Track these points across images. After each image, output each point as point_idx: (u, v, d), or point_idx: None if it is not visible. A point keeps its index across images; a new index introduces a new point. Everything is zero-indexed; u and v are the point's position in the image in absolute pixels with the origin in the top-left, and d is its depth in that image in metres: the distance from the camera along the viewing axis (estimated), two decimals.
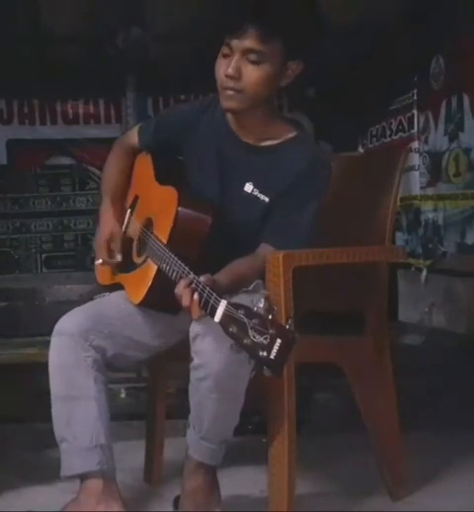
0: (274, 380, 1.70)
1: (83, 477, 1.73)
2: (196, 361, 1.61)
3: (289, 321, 1.44)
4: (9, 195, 4.89)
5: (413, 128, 3.73)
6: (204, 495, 1.76)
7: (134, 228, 1.92)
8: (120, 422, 2.43)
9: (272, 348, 1.38)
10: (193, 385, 1.65)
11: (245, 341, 1.40)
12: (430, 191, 3.57)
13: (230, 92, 1.69)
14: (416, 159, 3.66)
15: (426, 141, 3.60)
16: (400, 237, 3.79)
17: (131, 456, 2.17)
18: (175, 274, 1.60)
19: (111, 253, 1.93)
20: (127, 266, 1.89)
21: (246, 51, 1.65)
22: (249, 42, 1.64)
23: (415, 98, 3.71)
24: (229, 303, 1.44)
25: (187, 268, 1.57)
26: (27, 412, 2.60)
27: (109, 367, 1.79)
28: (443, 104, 3.40)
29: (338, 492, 2.06)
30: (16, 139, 4.81)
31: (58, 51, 4.19)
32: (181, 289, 1.54)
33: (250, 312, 1.41)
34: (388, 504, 1.96)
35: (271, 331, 1.39)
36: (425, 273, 3.56)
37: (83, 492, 1.73)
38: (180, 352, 1.72)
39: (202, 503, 1.76)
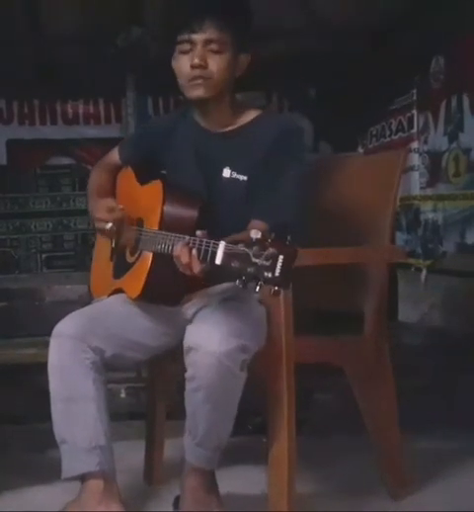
0: (273, 377, 1.72)
1: (83, 478, 1.74)
2: (189, 372, 1.64)
3: (288, 238, 1.44)
4: (9, 195, 4.89)
5: (412, 128, 3.73)
6: (204, 495, 1.77)
7: (127, 237, 1.90)
8: (120, 422, 2.43)
9: (275, 266, 1.39)
10: (187, 395, 1.67)
11: (249, 270, 1.40)
12: (429, 191, 3.58)
13: (198, 80, 1.78)
14: (415, 159, 3.66)
15: (425, 141, 3.60)
16: (400, 237, 3.80)
17: (131, 456, 2.17)
18: (171, 247, 1.61)
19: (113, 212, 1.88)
20: (122, 271, 1.90)
21: (207, 42, 1.76)
22: (209, 32, 1.76)
23: (414, 98, 3.72)
24: (228, 242, 1.45)
25: (181, 235, 1.58)
26: (27, 412, 2.61)
27: (107, 367, 1.79)
28: (443, 104, 3.41)
29: (338, 492, 2.06)
30: (16, 139, 4.81)
31: (58, 52, 4.19)
32: (178, 249, 1.54)
33: (249, 242, 1.42)
34: (388, 504, 1.96)
35: (271, 251, 1.40)
36: (424, 273, 3.56)
37: (83, 493, 1.73)
38: (179, 352, 1.72)
39: (202, 503, 1.77)
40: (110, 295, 1.92)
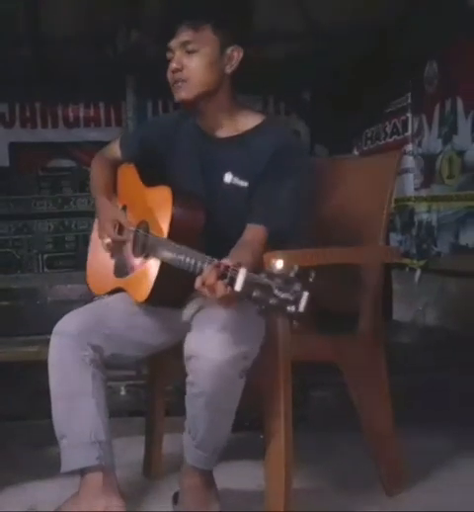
0: (270, 374, 1.73)
1: (83, 472, 1.75)
2: (190, 378, 1.64)
3: (312, 275, 1.42)
4: (11, 196, 4.89)
5: (407, 130, 3.74)
6: (202, 491, 1.80)
7: (129, 236, 1.91)
8: (120, 419, 2.43)
9: (299, 301, 1.38)
10: (188, 399, 1.68)
11: (271, 301, 1.39)
12: (423, 192, 3.59)
13: (178, 84, 1.81)
14: (410, 161, 3.67)
15: (419, 144, 3.62)
16: (394, 238, 3.80)
17: (131, 451, 2.18)
18: (185, 263, 1.59)
19: (118, 231, 1.91)
20: (123, 270, 1.90)
21: (183, 45, 1.79)
22: (183, 35, 1.79)
23: (409, 101, 3.73)
24: (249, 271, 1.44)
25: (194, 252, 1.58)
26: (28, 410, 2.61)
27: (107, 365, 1.80)
28: (437, 107, 3.42)
29: (334, 488, 2.07)
30: (18, 142, 4.82)
31: (59, 55, 4.19)
32: (207, 270, 1.50)
33: (272, 274, 1.41)
34: (384, 500, 1.97)
35: (296, 286, 1.38)
36: (419, 273, 3.57)
37: (83, 487, 1.75)
38: (179, 350, 1.73)
39: (201, 499, 1.79)
40: (110, 292, 1.93)
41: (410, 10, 3.48)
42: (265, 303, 1.40)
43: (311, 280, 1.40)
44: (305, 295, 1.38)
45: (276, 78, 4.13)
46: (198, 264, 1.56)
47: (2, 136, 4.78)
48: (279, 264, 1.41)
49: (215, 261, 1.51)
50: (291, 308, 1.38)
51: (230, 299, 1.50)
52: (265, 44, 3.78)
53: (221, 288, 1.47)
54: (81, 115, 4.88)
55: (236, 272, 1.44)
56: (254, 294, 1.41)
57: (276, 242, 1.74)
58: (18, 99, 4.73)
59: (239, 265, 1.45)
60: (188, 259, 1.59)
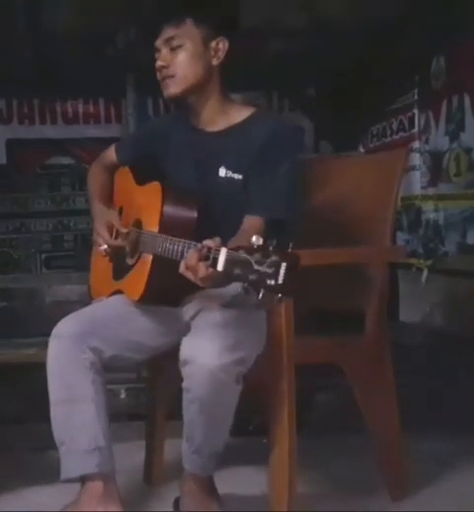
0: (274, 378, 1.71)
1: (83, 480, 1.74)
2: (185, 384, 1.65)
3: (290, 245, 1.42)
4: (8, 194, 4.87)
5: (414, 127, 3.72)
6: (202, 496, 1.79)
7: (126, 238, 1.90)
8: (120, 423, 2.43)
9: (278, 274, 1.37)
10: (184, 405, 1.68)
11: (251, 277, 1.39)
12: (430, 191, 3.56)
13: (165, 81, 1.85)
14: (416, 159, 3.65)
15: (426, 141, 3.59)
16: (401, 237, 3.78)
17: (131, 456, 2.18)
18: (173, 252, 1.60)
19: (114, 236, 1.91)
20: (122, 273, 1.89)
21: (167, 42, 1.83)
22: (166, 33, 1.84)
23: (415, 98, 3.70)
24: (229, 249, 1.44)
25: (182, 240, 1.58)
26: (26, 412, 2.60)
27: (107, 368, 1.78)
28: (444, 104, 3.40)
29: (338, 493, 2.06)
30: (15, 139, 4.80)
31: (58, 51, 4.18)
32: (190, 253, 1.52)
33: (250, 249, 1.41)
34: (388, 504, 1.96)
35: (273, 258, 1.38)
36: (426, 273, 3.55)
37: (83, 494, 1.74)
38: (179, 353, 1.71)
39: (202, 504, 1.78)
40: (109, 296, 1.92)
41: (416, 4, 3.45)
42: (246, 280, 1.40)
43: (290, 250, 1.40)
44: (283, 265, 1.37)
45: (279, 74, 4.12)
46: (185, 250, 1.56)
47: None
48: (259, 240, 1.40)
49: (199, 244, 1.51)
50: (271, 282, 1.37)
51: (213, 280, 1.50)
52: (268, 41, 3.76)
53: (202, 269, 1.48)
54: (80, 111, 4.86)
55: (218, 252, 1.44)
56: (235, 271, 1.41)
57: (275, 229, 1.72)
58: (16, 94, 4.71)
59: (220, 245, 1.46)
60: (175, 247, 1.59)
